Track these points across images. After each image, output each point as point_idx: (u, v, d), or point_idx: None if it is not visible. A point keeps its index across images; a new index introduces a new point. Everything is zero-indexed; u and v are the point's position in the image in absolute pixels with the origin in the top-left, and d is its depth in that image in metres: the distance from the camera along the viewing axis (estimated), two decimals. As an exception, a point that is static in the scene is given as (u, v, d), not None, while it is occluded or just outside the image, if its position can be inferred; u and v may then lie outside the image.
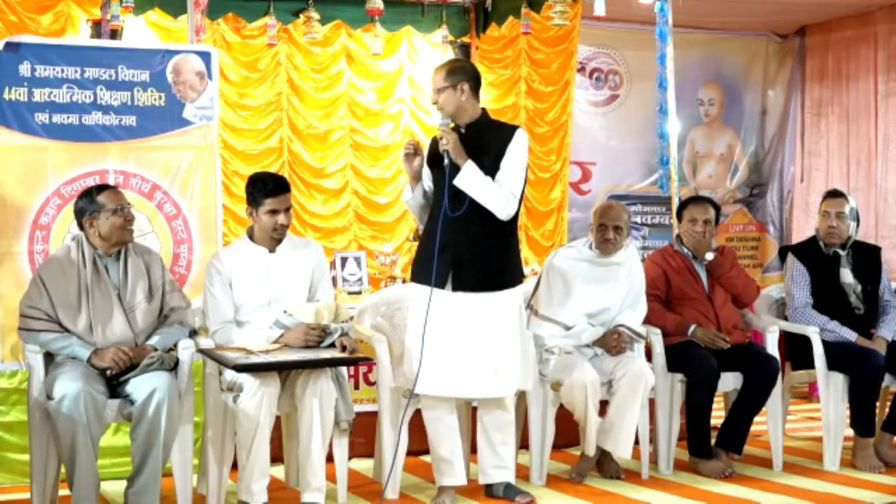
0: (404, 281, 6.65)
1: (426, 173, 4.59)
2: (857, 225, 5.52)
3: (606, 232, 5.01)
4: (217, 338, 4.50)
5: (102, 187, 4.49)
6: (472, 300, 4.45)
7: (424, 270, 4.47)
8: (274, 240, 4.60)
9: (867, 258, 5.53)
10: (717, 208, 5.44)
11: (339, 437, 4.49)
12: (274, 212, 4.52)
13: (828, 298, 5.41)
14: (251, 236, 4.63)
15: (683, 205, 5.53)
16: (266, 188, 4.52)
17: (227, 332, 4.50)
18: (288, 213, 4.57)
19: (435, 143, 4.57)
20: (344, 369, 4.57)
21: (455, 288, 4.43)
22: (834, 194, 5.56)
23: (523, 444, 5.01)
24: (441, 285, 4.42)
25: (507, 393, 4.56)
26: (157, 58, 5.24)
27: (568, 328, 4.97)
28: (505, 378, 4.51)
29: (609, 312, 5.04)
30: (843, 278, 5.43)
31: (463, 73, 4.50)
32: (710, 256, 5.33)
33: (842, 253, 5.46)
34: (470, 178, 4.39)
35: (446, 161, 4.41)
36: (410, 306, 4.57)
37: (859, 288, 5.44)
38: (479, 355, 4.43)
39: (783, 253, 5.74)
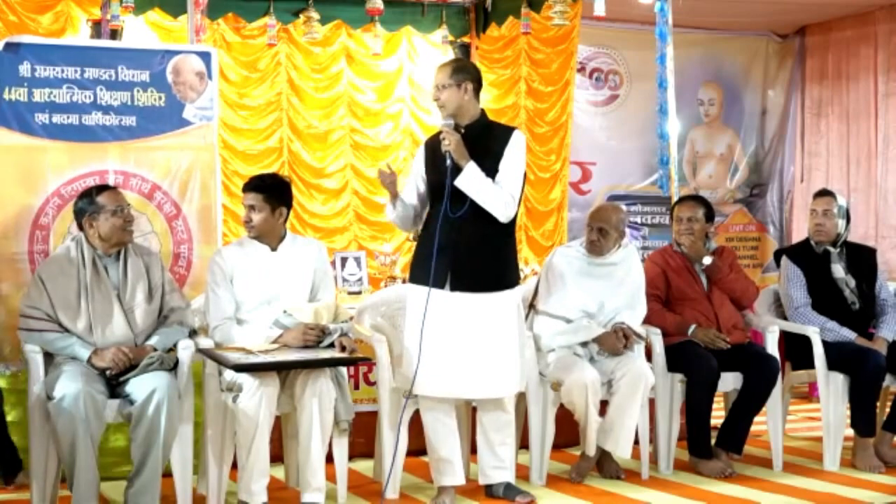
0: (404, 281, 6.64)
1: (416, 182, 4.61)
2: (848, 223, 5.53)
3: (591, 233, 5.06)
4: (216, 334, 4.50)
5: (102, 188, 4.49)
6: (471, 301, 4.45)
7: (422, 270, 4.47)
8: (274, 238, 4.60)
9: (862, 258, 5.55)
10: (707, 206, 5.44)
11: (338, 437, 4.49)
12: (244, 205, 4.59)
13: (822, 295, 5.42)
14: None
15: (672, 208, 5.57)
16: (246, 184, 4.63)
17: (226, 329, 4.50)
18: (254, 211, 4.55)
19: (431, 143, 4.57)
20: (343, 369, 4.57)
21: (453, 288, 4.43)
22: (822, 193, 5.62)
23: (523, 444, 5.01)
24: (440, 285, 4.41)
25: (506, 394, 4.56)
26: (157, 58, 5.24)
27: (568, 321, 4.97)
28: (503, 379, 4.52)
29: (608, 313, 5.04)
30: (835, 273, 5.45)
31: (467, 72, 4.52)
32: (707, 261, 5.33)
33: (832, 250, 5.48)
34: (471, 180, 4.39)
35: (448, 161, 4.41)
36: (408, 307, 4.56)
37: (853, 283, 5.45)
38: (478, 356, 4.43)
39: (777, 257, 5.76)
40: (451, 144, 4.40)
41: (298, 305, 4.54)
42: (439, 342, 4.40)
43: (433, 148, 4.54)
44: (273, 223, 4.59)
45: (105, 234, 4.36)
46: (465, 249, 4.43)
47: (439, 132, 4.49)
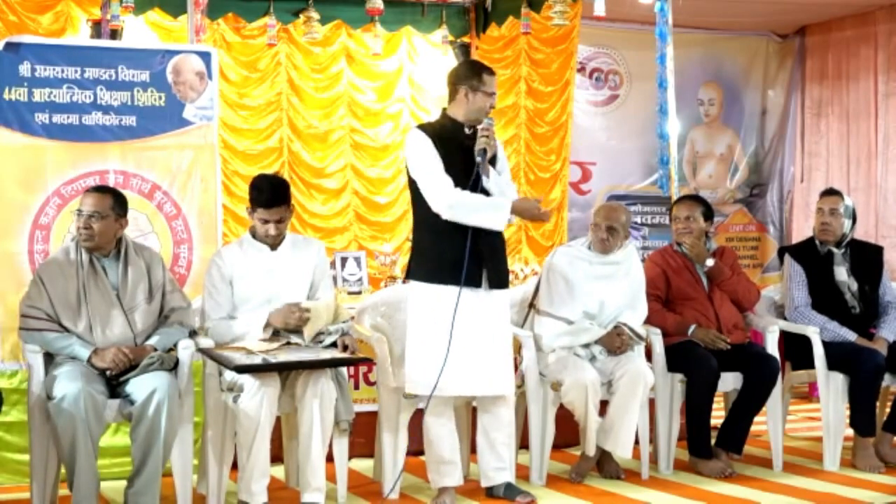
0: (405, 281, 6.63)
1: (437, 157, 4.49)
2: (854, 223, 5.52)
3: (600, 231, 5.06)
4: (212, 333, 4.50)
5: (93, 188, 4.50)
6: (496, 298, 4.51)
7: (452, 270, 4.40)
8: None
9: (867, 258, 5.53)
10: (705, 205, 5.44)
11: (339, 437, 4.49)
12: (265, 221, 4.54)
13: (823, 297, 5.41)
14: (254, 234, 4.63)
15: (670, 208, 5.57)
16: (261, 199, 4.53)
17: (220, 325, 4.51)
18: (280, 223, 4.56)
19: (438, 135, 4.50)
20: (344, 369, 4.57)
21: (491, 286, 4.49)
22: (829, 192, 5.61)
23: (523, 444, 5.02)
24: (476, 284, 4.43)
25: (511, 390, 4.60)
26: (157, 58, 5.24)
27: (570, 323, 4.98)
28: (509, 375, 4.57)
29: (609, 312, 5.04)
30: (837, 276, 5.44)
31: None
32: (710, 263, 5.33)
33: (836, 251, 5.47)
34: (500, 181, 4.51)
35: (479, 160, 4.44)
36: (424, 306, 4.48)
37: (855, 286, 5.44)
38: (491, 353, 4.47)
39: (781, 255, 5.75)
40: (491, 150, 4.47)
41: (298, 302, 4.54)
42: (464, 341, 4.40)
43: (444, 142, 4.48)
44: None
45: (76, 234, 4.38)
46: (492, 248, 4.50)
47: (460, 130, 4.51)
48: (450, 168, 4.44)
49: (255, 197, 4.55)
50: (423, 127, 4.63)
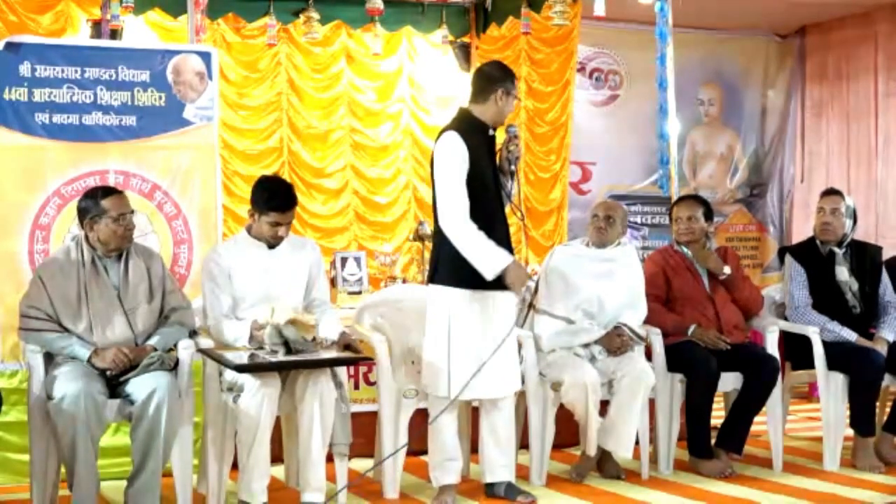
0: (405, 281, 6.65)
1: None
2: (854, 223, 5.52)
3: (598, 221, 5.11)
4: (213, 331, 4.51)
5: (108, 191, 4.46)
6: (507, 297, 4.51)
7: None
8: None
9: (867, 258, 5.53)
10: (706, 205, 5.44)
11: (339, 460, 4.51)
12: (276, 224, 4.52)
13: (824, 297, 5.41)
14: (249, 232, 4.63)
15: (670, 208, 5.58)
16: (273, 202, 4.50)
17: (218, 327, 4.49)
18: (289, 225, 4.58)
19: (470, 133, 4.45)
20: (346, 387, 4.54)
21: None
22: (830, 192, 5.60)
23: (523, 444, 5.01)
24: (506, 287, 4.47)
25: (519, 388, 4.64)
26: (157, 58, 5.24)
27: (569, 322, 4.98)
28: (518, 373, 4.62)
29: (608, 311, 5.04)
30: (839, 276, 5.43)
31: None
32: (727, 271, 5.32)
33: (837, 251, 5.46)
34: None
35: (514, 167, 4.52)
36: (452, 310, 4.42)
37: (856, 286, 5.44)
38: (504, 353, 4.48)
39: (782, 254, 5.75)
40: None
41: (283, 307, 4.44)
42: (490, 344, 4.41)
43: (474, 144, 4.44)
44: None
45: (104, 238, 4.35)
46: (511, 250, 4.52)
47: (486, 131, 4.53)
48: (478, 172, 4.41)
49: (266, 200, 4.51)
50: (458, 130, 4.44)
